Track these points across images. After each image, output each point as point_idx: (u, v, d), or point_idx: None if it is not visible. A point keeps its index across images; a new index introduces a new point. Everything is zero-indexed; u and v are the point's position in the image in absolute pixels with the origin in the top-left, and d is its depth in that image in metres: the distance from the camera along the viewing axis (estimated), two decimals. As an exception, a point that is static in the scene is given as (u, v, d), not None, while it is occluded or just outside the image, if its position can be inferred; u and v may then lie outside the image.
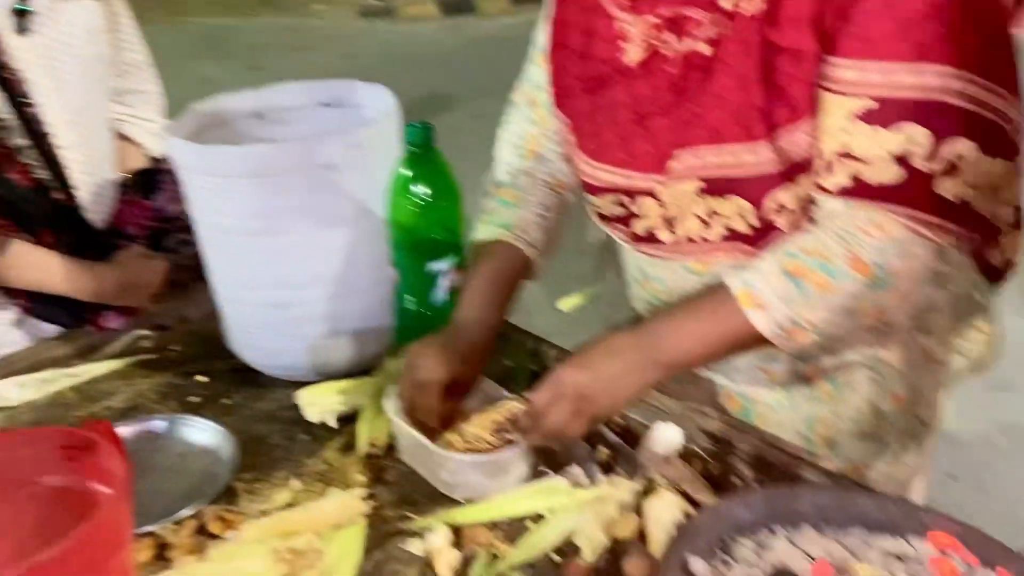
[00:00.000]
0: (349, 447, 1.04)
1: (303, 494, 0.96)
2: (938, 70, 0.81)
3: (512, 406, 0.98)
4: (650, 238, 1.02)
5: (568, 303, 3.40)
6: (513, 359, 1.20)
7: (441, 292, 1.08)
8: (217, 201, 1.06)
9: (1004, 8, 0.86)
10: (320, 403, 1.07)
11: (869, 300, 0.86)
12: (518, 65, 1.15)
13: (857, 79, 0.84)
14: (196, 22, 7.49)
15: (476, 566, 0.87)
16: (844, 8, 0.84)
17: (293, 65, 5.85)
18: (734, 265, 0.94)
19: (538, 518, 0.93)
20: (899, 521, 0.84)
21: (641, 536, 0.90)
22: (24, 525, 0.71)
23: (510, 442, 0.95)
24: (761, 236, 0.94)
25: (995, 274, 1.07)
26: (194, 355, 1.23)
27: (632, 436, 1.03)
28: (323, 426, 1.07)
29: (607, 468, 0.98)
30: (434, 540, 0.89)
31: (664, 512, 0.90)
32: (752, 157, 0.90)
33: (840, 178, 0.86)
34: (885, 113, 0.83)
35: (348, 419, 1.07)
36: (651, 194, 0.98)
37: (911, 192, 0.83)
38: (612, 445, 1.00)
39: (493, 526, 0.92)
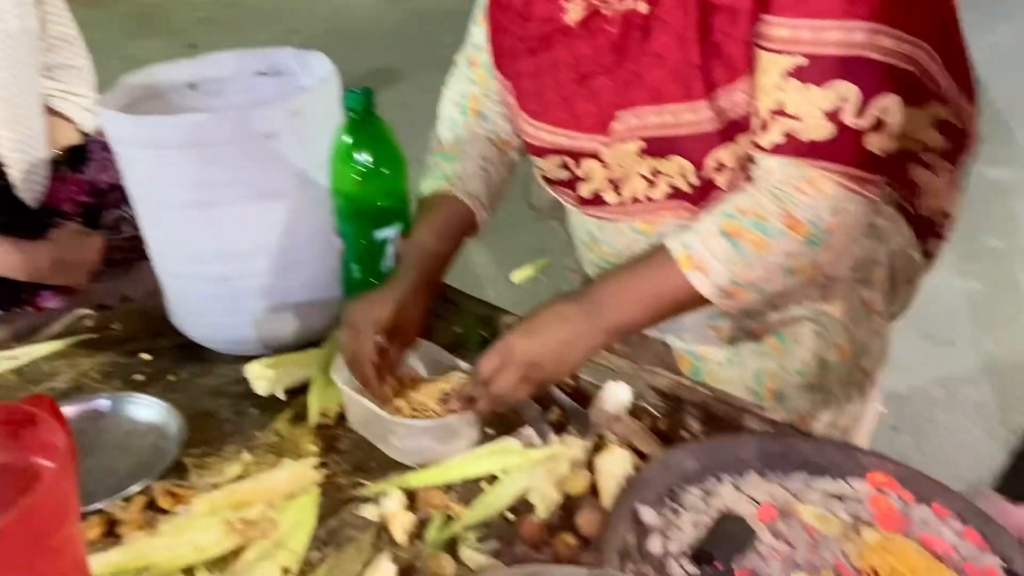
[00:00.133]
0: (300, 418, 1.03)
1: (254, 466, 0.95)
2: (865, 26, 0.83)
3: (458, 375, 0.99)
4: (596, 200, 1.03)
5: (520, 275, 3.41)
6: (463, 326, 1.20)
7: (388, 260, 1.08)
8: (153, 174, 1.04)
9: None
10: (269, 376, 1.06)
11: (805, 257, 0.88)
12: (462, 37, 1.15)
13: (789, 36, 0.85)
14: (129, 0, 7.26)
15: (431, 528, 0.88)
16: None
17: (232, 43, 5.66)
18: (680, 225, 0.95)
19: (492, 479, 0.94)
20: (839, 464, 0.87)
21: (593, 491, 0.92)
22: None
23: (456, 411, 0.95)
24: (703, 195, 0.95)
25: (928, 228, 1.11)
26: (137, 333, 1.21)
27: (583, 396, 1.05)
28: (272, 399, 1.06)
29: (559, 428, 0.99)
30: (388, 504, 0.89)
31: (615, 467, 0.91)
32: (692, 116, 0.91)
33: (774, 136, 0.87)
34: (815, 70, 0.84)
35: (297, 391, 1.06)
36: (595, 156, 0.99)
37: (842, 148, 0.85)
38: (563, 405, 1.02)
39: (447, 489, 0.93)
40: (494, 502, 0.91)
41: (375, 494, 0.92)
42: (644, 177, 0.98)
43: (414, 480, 0.93)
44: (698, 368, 1.15)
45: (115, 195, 1.34)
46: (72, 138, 1.45)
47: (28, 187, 1.34)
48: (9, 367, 1.14)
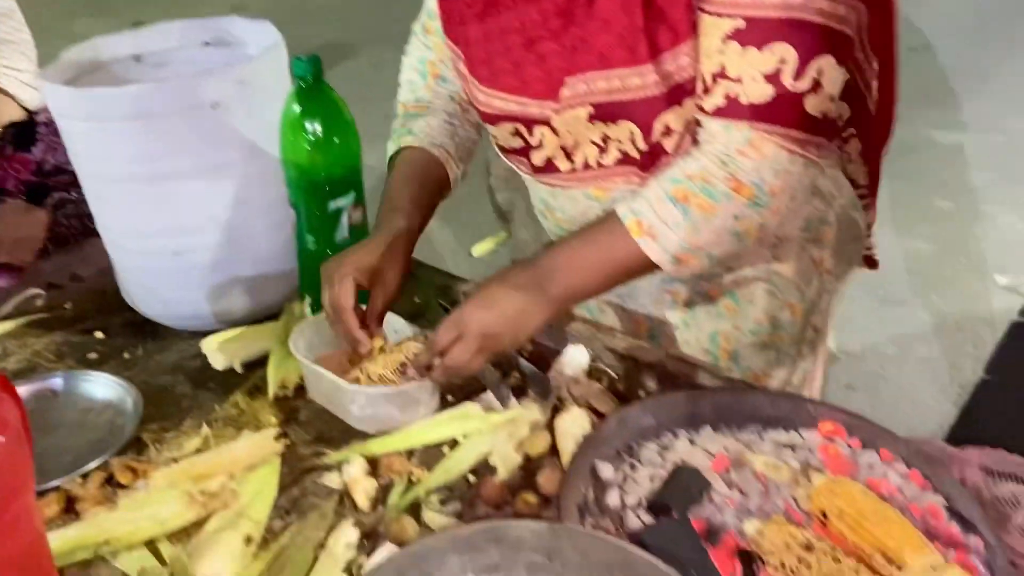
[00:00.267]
0: (258, 391, 1.03)
1: (214, 439, 0.95)
2: None
3: (416, 345, 0.99)
4: (549, 167, 1.03)
5: (480, 248, 3.41)
6: (422, 296, 1.20)
7: (343, 230, 1.07)
8: (99, 148, 1.02)
9: None
10: (226, 350, 1.06)
11: (751, 220, 0.89)
12: (416, 10, 1.14)
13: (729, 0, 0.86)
14: (71, -23, 7.04)
15: (393, 493, 0.88)
16: None
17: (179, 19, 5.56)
18: (631, 191, 0.96)
19: (453, 444, 0.95)
20: (790, 415, 0.89)
21: (554, 451, 0.93)
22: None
23: (413, 381, 0.95)
24: (652, 160, 0.96)
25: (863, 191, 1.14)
26: (89, 311, 1.19)
27: (542, 360, 1.06)
28: (230, 373, 1.06)
29: (519, 392, 1.00)
30: (350, 471, 0.90)
31: (573, 427, 0.92)
32: (639, 80, 0.92)
33: (716, 99, 0.88)
34: (754, 33, 0.85)
35: (255, 364, 1.06)
36: (546, 123, 0.99)
37: (781, 110, 0.86)
38: (523, 370, 1.03)
39: (409, 454, 0.94)
40: (455, 466, 0.92)
41: (337, 462, 0.92)
42: (595, 143, 0.98)
43: (375, 447, 0.94)
44: (655, 331, 1.17)
45: (63, 177, 1.32)
46: (14, 115, 1.41)
47: (-31, 166, 1.31)
48: (-42, 350, 1.12)
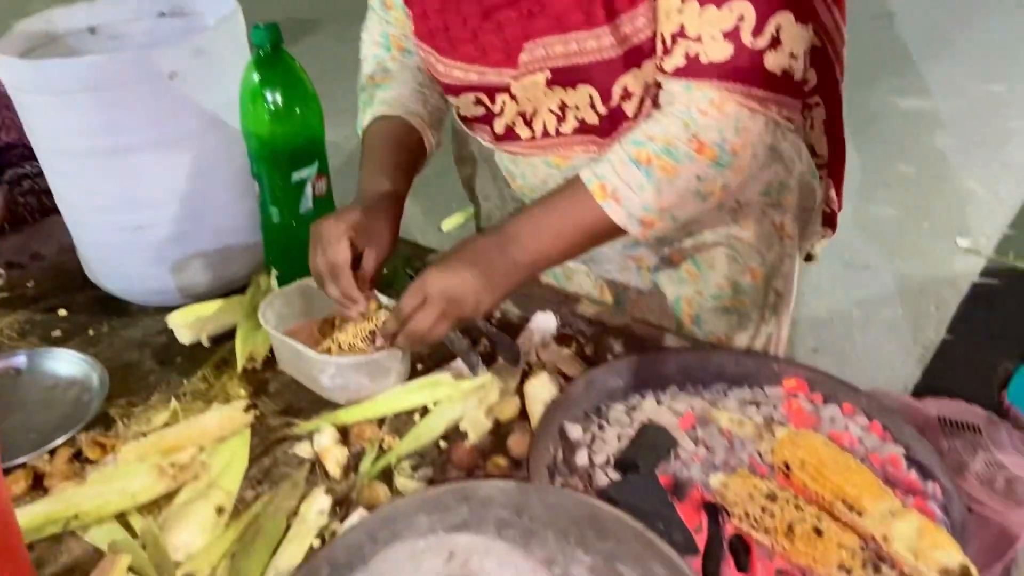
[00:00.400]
0: (226, 364, 1.03)
1: (183, 413, 0.95)
2: None
3: (385, 315, 0.99)
4: (510, 135, 1.03)
5: (450, 223, 3.39)
6: (390, 266, 1.20)
7: (308, 201, 1.06)
8: (55, 121, 1.00)
9: None
10: (192, 325, 1.05)
11: (714, 180, 0.89)
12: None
13: None
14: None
15: (365, 460, 0.89)
16: None
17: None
18: (591, 159, 0.96)
19: (424, 411, 0.96)
20: (754, 373, 0.91)
21: (524, 416, 0.94)
22: None
23: (382, 349, 0.95)
24: (611, 127, 0.96)
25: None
26: (52, 290, 1.18)
27: (511, 327, 1.06)
28: (197, 347, 1.05)
29: (488, 359, 1.01)
30: (321, 440, 0.90)
31: (542, 391, 0.93)
32: (595, 43, 0.92)
33: (676, 59, 0.88)
34: None
35: (222, 338, 1.06)
36: (506, 90, 0.99)
37: (741, 68, 0.86)
38: (492, 336, 1.03)
39: (380, 423, 0.94)
40: (426, 432, 0.92)
41: (307, 432, 0.92)
42: (553, 112, 0.98)
43: (346, 416, 0.94)
44: (620, 297, 1.18)
45: (16, 152, 1.29)
46: (-35, 91, 1.38)
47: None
48: (-82, 331, 1.10)
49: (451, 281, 0.88)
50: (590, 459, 0.81)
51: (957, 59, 4.17)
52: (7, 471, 0.86)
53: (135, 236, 1.05)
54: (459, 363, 1.00)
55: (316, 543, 0.79)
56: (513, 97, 0.99)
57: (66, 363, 1.01)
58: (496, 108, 1.01)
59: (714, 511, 0.73)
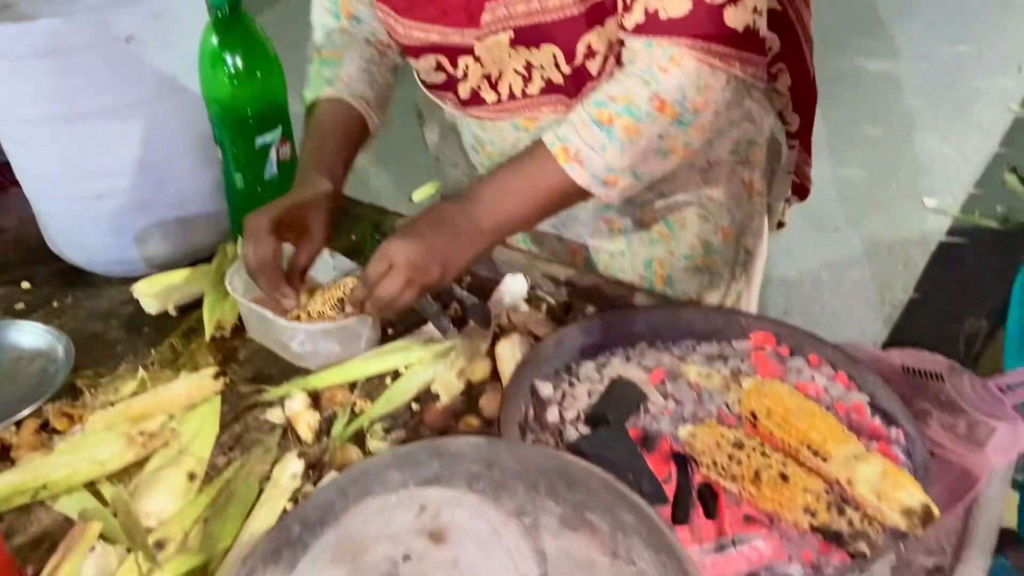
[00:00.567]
0: (194, 333, 1.02)
1: (151, 382, 0.94)
2: None
3: (353, 282, 0.98)
4: (475, 100, 1.02)
5: (421, 194, 3.38)
6: (358, 232, 1.19)
7: (272, 167, 1.05)
8: (9, 88, 0.98)
9: None
10: (158, 294, 1.04)
11: (677, 138, 0.89)
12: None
13: None
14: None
15: (337, 424, 0.89)
16: None
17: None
18: (559, 119, 0.96)
19: (395, 375, 0.96)
20: (723, 328, 0.92)
21: (495, 377, 0.94)
22: None
23: (351, 316, 0.94)
24: (577, 86, 0.96)
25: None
26: (14, 262, 1.16)
27: (482, 290, 1.06)
28: (164, 317, 1.04)
29: (459, 322, 1.01)
30: (292, 405, 0.90)
31: (514, 352, 0.94)
32: (556, 1, 0.91)
33: (636, 15, 0.88)
34: None
35: (189, 308, 1.05)
36: (469, 52, 0.98)
37: (700, 23, 0.85)
38: (462, 300, 1.03)
39: (352, 387, 0.94)
40: (398, 395, 0.93)
41: (278, 397, 0.92)
42: (518, 72, 0.97)
43: (317, 381, 0.94)
44: (592, 260, 1.18)
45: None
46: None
47: None
48: None
49: (416, 247, 0.87)
50: (560, 415, 0.82)
51: (924, 20, 4.18)
52: (-29, 444, 0.85)
53: (95, 205, 1.04)
54: (430, 327, 1.00)
55: (289, 506, 0.79)
56: (477, 59, 0.98)
57: (30, 335, 1.00)
58: (459, 72, 1.00)
59: (683, 461, 0.74)
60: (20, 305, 1.08)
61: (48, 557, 0.73)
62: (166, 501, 0.79)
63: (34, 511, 0.80)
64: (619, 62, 0.93)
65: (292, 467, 0.82)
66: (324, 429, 0.89)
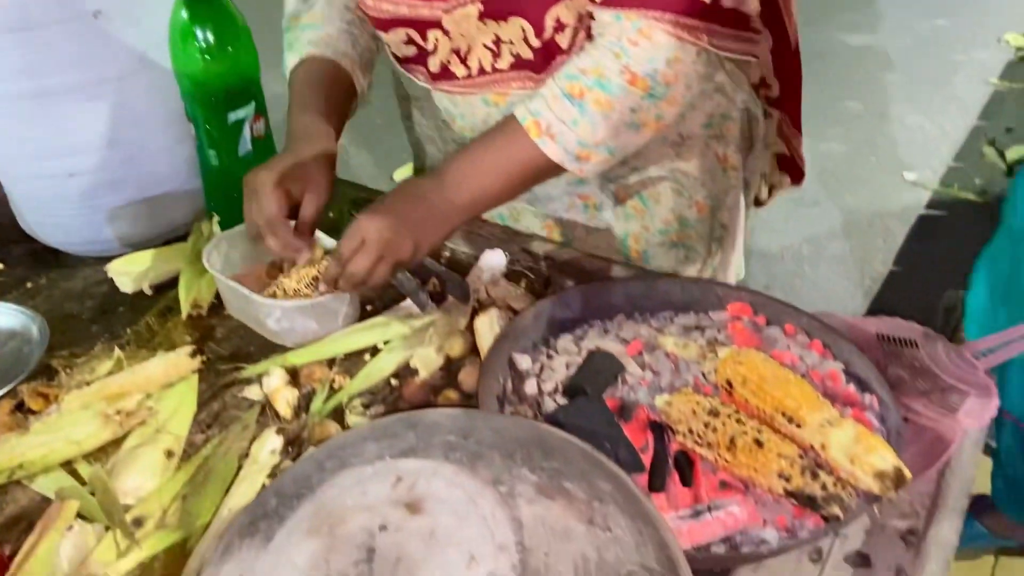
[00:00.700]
0: (171, 312, 1.01)
1: (127, 361, 0.93)
2: None
3: (327, 260, 0.98)
4: (446, 74, 1.01)
5: (402, 173, 3.35)
6: (336, 210, 1.19)
7: (246, 143, 1.04)
8: (-25, 66, 0.96)
9: None
10: (133, 273, 1.03)
11: (649, 111, 0.88)
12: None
13: None
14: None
15: (316, 400, 0.89)
16: None
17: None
18: (529, 95, 0.95)
19: (374, 351, 0.95)
20: (700, 299, 0.92)
21: (474, 352, 0.94)
22: None
23: (326, 294, 0.93)
24: (546, 60, 0.95)
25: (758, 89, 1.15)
26: (-13, 244, 1.15)
27: (461, 265, 1.06)
28: (140, 296, 1.03)
29: (438, 298, 1.00)
30: (271, 382, 0.90)
31: (493, 327, 0.93)
32: None
33: None
34: None
35: (165, 287, 1.04)
36: (438, 25, 0.97)
37: None
38: (441, 275, 1.03)
39: (330, 364, 0.94)
40: (377, 371, 0.92)
41: (256, 374, 0.92)
42: (487, 47, 0.96)
43: (295, 358, 0.94)
44: (568, 235, 1.17)
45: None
46: None
47: None
48: None
49: (388, 223, 0.86)
50: (539, 388, 0.82)
51: (904, -5, 4.20)
52: (-54, 426, 0.84)
53: (67, 184, 1.02)
54: (409, 303, 0.99)
55: (268, 482, 0.79)
56: (445, 32, 0.97)
57: (4, 316, 0.99)
58: (429, 45, 0.99)
59: (659, 429, 0.74)
60: (-8, 287, 1.07)
61: (25, 537, 0.73)
62: (144, 479, 0.78)
63: (11, 491, 0.80)
64: (589, 36, 0.92)
65: (271, 443, 0.82)
66: (303, 405, 0.88)
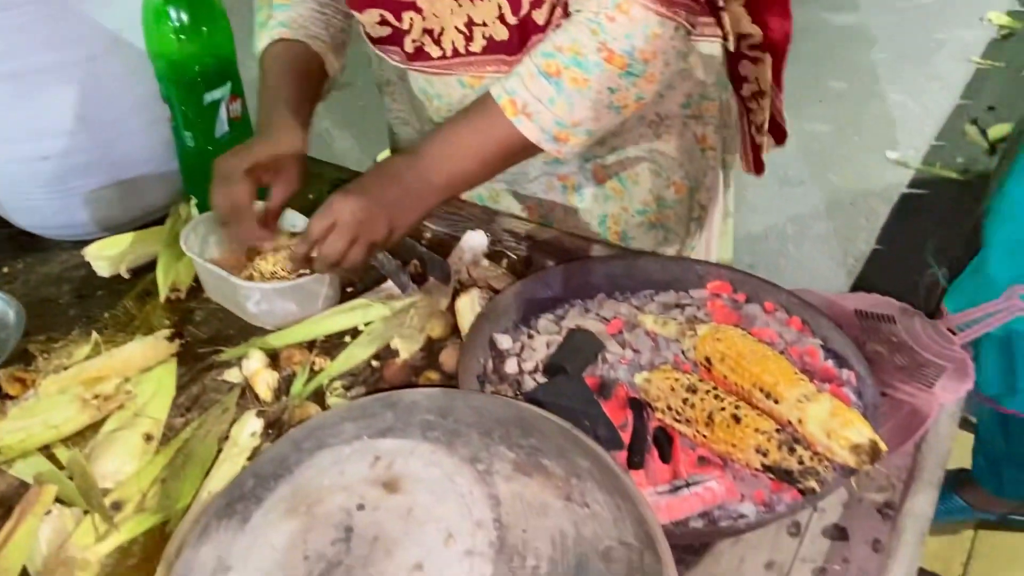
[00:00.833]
0: (149, 295, 1.01)
1: (105, 345, 0.92)
2: None
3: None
4: (421, 54, 1.00)
5: (386, 155, 3.33)
6: (316, 191, 1.18)
7: (223, 125, 1.03)
8: (-56, 47, 0.94)
9: None
10: (110, 257, 1.02)
11: (627, 90, 0.87)
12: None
13: None
14: None
15: (296, 382, 0.88)
16: None
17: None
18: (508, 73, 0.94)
19: (355, 333, 0.95)
20: (680, 277, 0.92)
21: (456, 333, 0.94)
22: None
23: (302, 277, 0.93)
24: (522, 40, 0.94)
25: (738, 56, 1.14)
26: (-41, 229, 1.13)
27: (442, 246, 1.06)
28: (117, 280, 1.03)
29: (419, 279, 1.00)
30: (250, 365, 0.89)
31: (474, 307, 0.93)
32: None
33: None
34: None
35: (142, 270, 1.03)
36: (411, 6, 0.95)
37: None
38: (422, 256, 1.02)
39: (311, 346, 0.93)
40: (357, 353, 0.92)
41: (235, 357, 0.91)
42: (459, 30, 0.95)
43: (274, 340, 0.93)
44: (547, 217, 1.17)
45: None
46: None
47: None
48: None
49: (362, 204, 0.84)
50: (519, 367, 0.82)
51: (887, -27, 4.19)
52: (-79, 412, 0.83)
53: (41, 167, 1.01)
54: (390, 284, 0.99)
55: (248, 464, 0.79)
56: (419, 11, 0.95)
57: (-21, 302, 0.98)
58: (404, 25, 0.98)
59: (639, 407, 0.75)
60: (-33, 272, 1.06)
61: (4, 521, 0.73)
62: (122, 463, 0.78)
63: (-11, 476, 0.79)
64: (566, 13, 0.91)
65: (251, 426, 0.82)
66: (283, 388, 0.88)
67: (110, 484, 0.77)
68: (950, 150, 2.98)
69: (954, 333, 0.82)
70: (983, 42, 3.64)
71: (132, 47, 0.99)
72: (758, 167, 1.22)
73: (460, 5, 0.93)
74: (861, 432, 0.66)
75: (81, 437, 0.82)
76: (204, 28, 0.96)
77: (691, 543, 0.70)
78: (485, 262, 1.04)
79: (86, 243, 1.04)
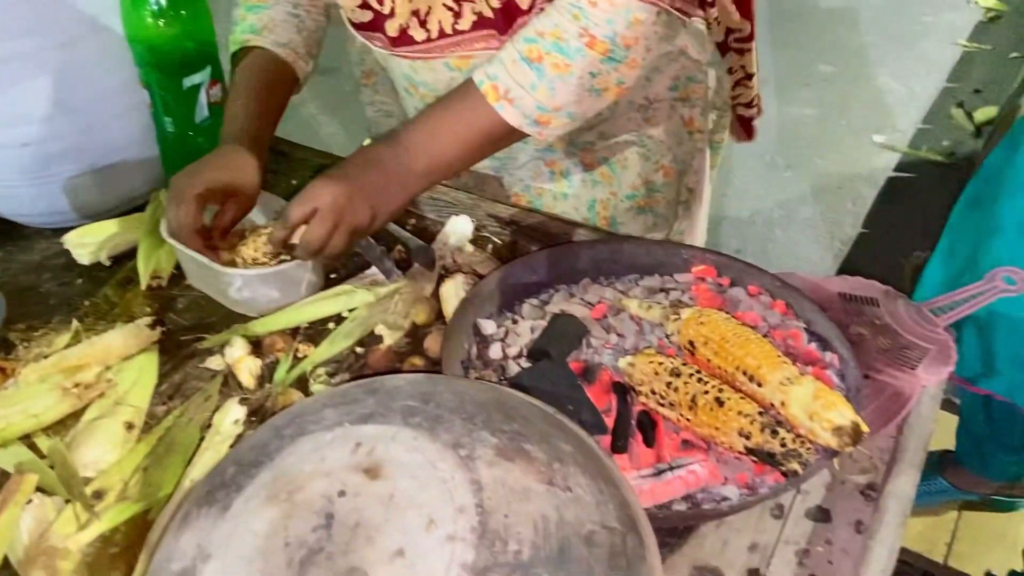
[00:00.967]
0: (130, 283, 0.99)
1: (85, 333, 0.92)
2: None
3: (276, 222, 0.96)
4: (405, 39, 0.99)
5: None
6: (299, 177, 1.17)
7: (203, 110, 1.02)
8: (-83, 32, 0.93)
9: None
10: (91, 244, 1.01)
11: (609, 75, 0.87)
12: None
13: None
14: None
15: (280, 369, 0.88)
16: None
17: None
18: (492, 57, 0.93)
19: (339, 319, 0.95)
20: (665, 261, 0.92)
21: (441, 319, 0.94)
22: None
23: (283, 263, 0.92)
24: (508, 20, 0.93)
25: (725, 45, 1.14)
26: (-64, 218, 1.12)
27: (427, 232, 1.05)
28: (98, 267, 1.02)
29: (404, 265, 1.00)
30: (233, 352, 0.89)
31: (458, 293, 0.93)
32: None
33: None
34: None
35: (123, 258, 1.02)
36: None
37: None
38: (407, 242, 1.02)
39: (294, 332, 0.93)
40: (341, 339, 0.92)
41: (218, 344, 0.90)
42: (448, 7, 0.94)
43: (257, 327, 0.93)
44: (536, 203, 1.17)
45: None
46: None
47: None
48: None
49: (343, 190, 0.84)
50: (503, 352, 0.82)
51: (875, -44, 4.18)
52: (-100, 402, 0.82)
53: (20, 154, 0.99)
54: (374, 270, 0.98)
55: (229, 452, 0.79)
56: None
57: (-42, 290, 0.97)
58: (385, 9, 0.96)
59: (623, 391, 0.74)
60: (-55, 261, 1.04)
61: (-16, 511, 0.72)
62: (104, 451, 0.78)
63: (-32, 467, 0.79)
64: None
65: (234, 414, 0.82)
66: (266, 375, 0.88)
67: (91, 473, 0.76)
68: (936, 133, 2.99)
69: (936, 315, 0.82)
70: (970, 25, 3.64)
71: (110, 32, 0.97)
72: (748, 132, 1.23)
73: None
74: (843, 414, 0.66)
75: (62, 426, 0.81)
76: (183, 12, 0.95)
77: (675, 526, 0.70)
78: (470, 247, 1.03)
79: (66, 230, 1.03)
